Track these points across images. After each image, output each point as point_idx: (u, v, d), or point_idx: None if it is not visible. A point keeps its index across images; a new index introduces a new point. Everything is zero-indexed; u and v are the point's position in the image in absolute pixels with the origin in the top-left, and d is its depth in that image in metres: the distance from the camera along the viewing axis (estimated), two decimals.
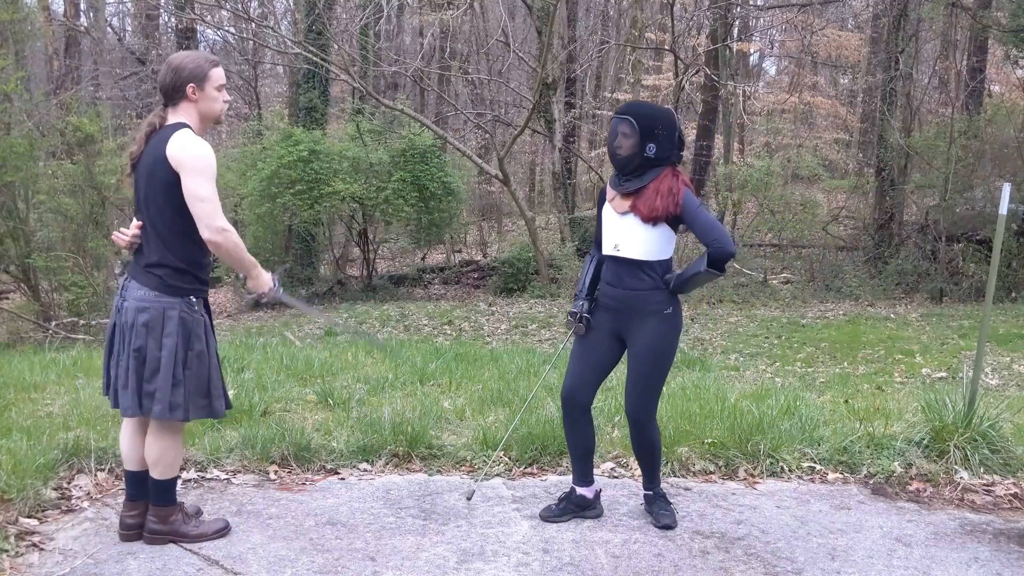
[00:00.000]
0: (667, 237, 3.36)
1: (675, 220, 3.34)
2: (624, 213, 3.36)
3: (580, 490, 3.59)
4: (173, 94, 3.04)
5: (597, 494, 3.62)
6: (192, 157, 2.95)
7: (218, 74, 3.08)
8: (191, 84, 3.02)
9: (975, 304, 12.78)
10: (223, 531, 3.29)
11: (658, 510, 3.57)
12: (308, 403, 4.89)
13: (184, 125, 3.02)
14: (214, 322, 3.26)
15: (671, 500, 3.66)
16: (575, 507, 3.57)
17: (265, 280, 3.20)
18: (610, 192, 3.46)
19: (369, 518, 3.53)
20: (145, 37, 23.03)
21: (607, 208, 3.46)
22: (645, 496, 3.65)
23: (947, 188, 14.30)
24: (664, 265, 3.38)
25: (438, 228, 17.02)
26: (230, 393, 3.35)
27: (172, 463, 3.18)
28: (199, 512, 3.37)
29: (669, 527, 3.50)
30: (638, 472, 4.08)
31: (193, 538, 3.21)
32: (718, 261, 3.24)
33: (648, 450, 3.52)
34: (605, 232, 3.45)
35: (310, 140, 15.03)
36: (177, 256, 3.04)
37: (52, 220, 12.53)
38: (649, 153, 3.29)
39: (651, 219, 3.30)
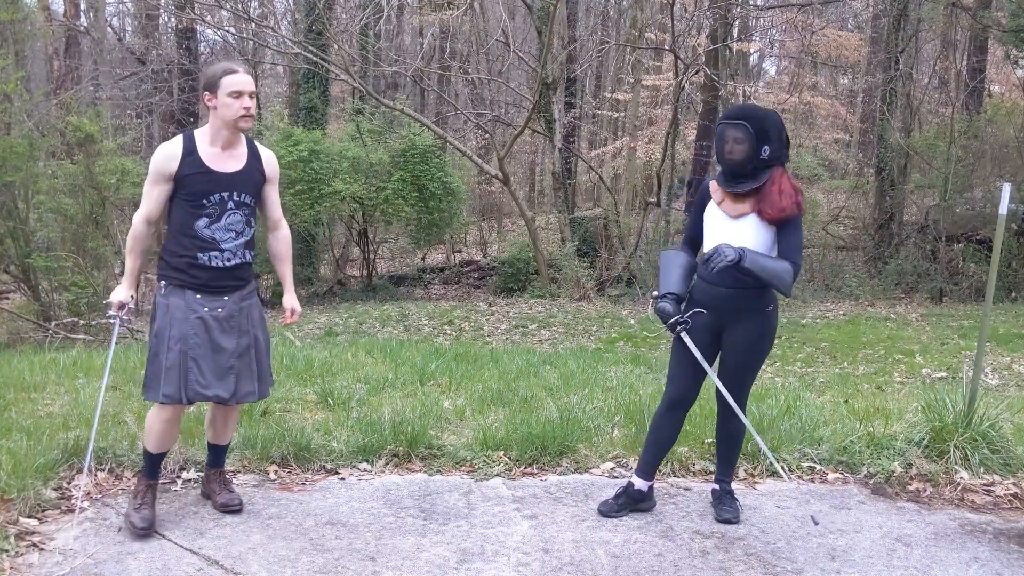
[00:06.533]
0: (775, 239, 3.39)
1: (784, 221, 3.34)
2: (739, 216, 3.37)
3: (639, 483, 3.65)
4: (201, 102, 3.30)
5: (651, 488, 3.70)
6: (151, 160, 3.23)
7: (232, 81, 3.18)
8: (207, 93, 3.21)
9: (975, 304, 12.79)
10: (136, 530, 3.25)
11: (724, 505, 3.63)
12: (308, 403, 4.89)
13: (187, 132, 3.27)
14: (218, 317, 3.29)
15: (737, 499, 3.67)
16: (631, 500, 3.65)
17: (118, 292, 3.26)
18: (717, 194, 3.45)
19: (369, 518, 3.53)
20: (145, 37, 23.02)
21: (715, 210, 3.44)
22: (713, 491, 3.70)
23: (947, 188, 14.31)
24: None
25: (438, 228, 17.02)
26: (209, 392, 3.25)
27: (152, 439, 3.32)
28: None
29: (729, 521, 3.57)
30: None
31: (125, 515, 3.35)
32: (792, 283, 3.33)
33: (732, 441, 3.62)
34: (712, 234, 3.44)
35: (310, 140, 15.03)
36: (166, 244, 3.28)
37: (52, 220, 12.52)
38: (764, 155, 3.30)
39: (778, 220, 3.31)
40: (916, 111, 16.49)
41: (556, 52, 17.65)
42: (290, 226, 14.66)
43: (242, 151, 3.32)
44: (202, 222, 3.22)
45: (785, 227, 3.34)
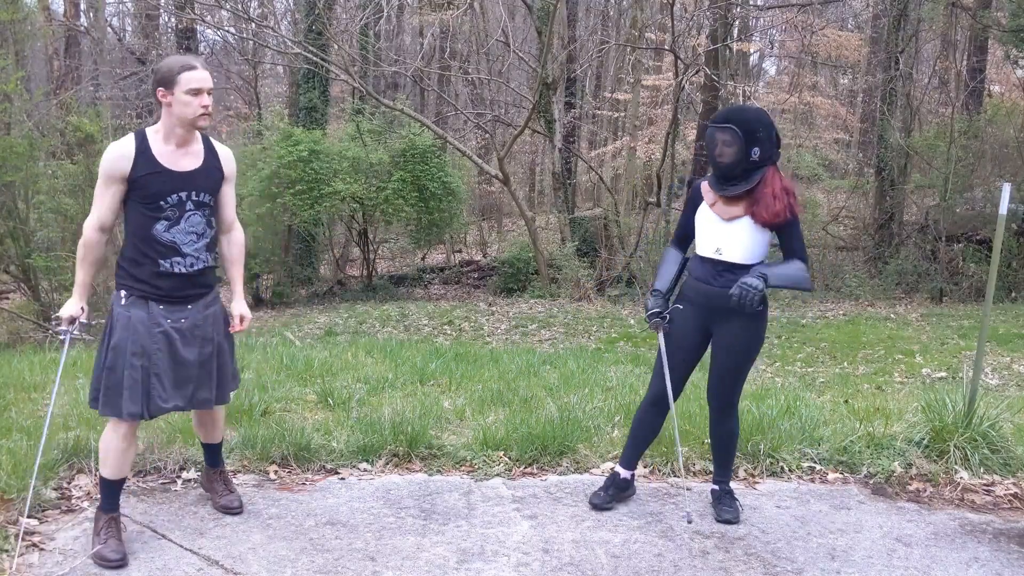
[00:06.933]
0: (768, 240, 3.42)
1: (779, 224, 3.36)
2: (732, 219, 3.38)
3: (624, 473, 3.72)
4: (154, 97, 3.08)
5: (633, 476, 3.78)
6: (101, 162, 3.06)
7: (190, 78, 3.00)
8: (160, 88, 3.03)
9: (975, 304, 12.79)
10: (111, 562, 3.04)
11: (724, 505, 3.64)
12: (308, 403, 4.88)
13: (138, 130, 3.11)
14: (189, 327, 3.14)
15: (734, 498, 3.69)
16: (618, 490, 3.72)
17: (69, 306, 3.08)
18: (710, 196, 3.46)
19: (369, 518, 3.53)
20: (145, 37, 23.02)
21: (707, 212, 3.45)
22: (712, 491, 3.71)
23: (947, 188, 14.30)
24: (757, 265, 3.41)
25: (438, 228, 17.02)
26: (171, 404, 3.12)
27: (110, 462, 3.12)
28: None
29: (729, 522, 3.58)
30: (638, 472, 4.09)
31: (92, 554, 3.09)
32: (809, 277, 3.39)
33: (727, 441, 3.63)
34: (704, 236, 3.46)
35: (310, 140, 15.03)
36: (124, 250, 3.13)
37: (52, 220, 12.52)
38: (754, 156, 3.30)
39: (772, 223, 3.33)
40: (916, 111, 16.48)
41: (556, 52, 17.65)
42: (290, 227, 14.44)
43: (198, 148, 3.15)
44: (161, 225, 3.05)
45: (784, 230, 3.36)
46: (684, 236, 3.61)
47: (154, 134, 3.09)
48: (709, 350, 3.56)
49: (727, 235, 3.38)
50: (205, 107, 3.04)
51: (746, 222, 3.35)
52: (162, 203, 3.04)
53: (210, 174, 3.16)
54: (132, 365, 3.04)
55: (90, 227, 3.06)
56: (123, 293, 3.09)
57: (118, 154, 3.02)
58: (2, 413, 4.48)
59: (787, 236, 3.38)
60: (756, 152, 3.29)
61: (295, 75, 18.84)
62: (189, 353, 3.14)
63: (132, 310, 3.07)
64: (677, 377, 3.55)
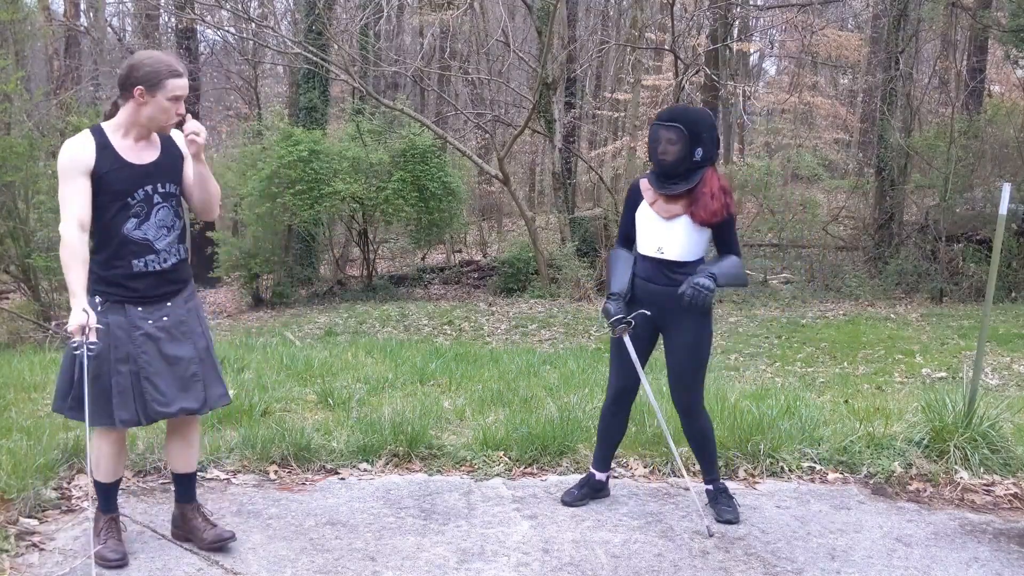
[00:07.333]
0: (708, 239, 3.48)
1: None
2: (672, 217, 3.41)
3: (600, 475, 3.75)
4: (122, 89, 2.93)
5: (608, 478, 3.81)
6: (59, 161, 2.89)
7: (175, 85, 2.90)
8: (140, 87, 2.88)
9: (975, 304, 12.78)
10: (111, 562, 3.02)
11: (721, 505, 3.63)
12: (308, 403, 4.89)
13: (95, 127, 2.94)
14: (174, 325, 3.02)
15: (732, 496, 3.69)
16: (592, 490, 3.74)
17: (76, 316, 2.80)
18: (650, 195, 3.49)
19: (369, 518, 3.53)
20: (145, 37, 23.00)
21: (647, 211, 3.48)
22: (708, 491, 3.70)
23: (947, 188, 14.29)
24: (698, 262, 3.48)
25: (438, 228, 17.01)
26: (183, 405, 3.01)
27: (102, 466, 3.07)
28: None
29: (731, 522, 3.56)
30: (638, 472, 4.10)
31: (92, 554, 3.01)
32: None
33: (701, 440, 3.63)
34: (645, 234, 3.49)
35: (310, 140, 15.02)
36: (93, 255, 2.94)
37: (52, 220, 12.48)
38: (697, 156, 3.35)
39: (710, 223, 3.38)
40: (916, 111, 16.48)
41: (556, 52, 17.65)
42: (290, 227, 14.40)
43: (154, 138, 3.02)
44: (131, 223, 2.93)
45: (721, 229, 3.44)
46: (627, 235, 3.62)
47: (112, 129, 2.96)
48: (664, 355, 3.59)
49: (668, 234, 3.43)
50: (181, 115, 2.96)
51: (685, 221, 3.40)
52: (129, 200, 2.93)
53: (172, 162, 3.05)
54: (119, 371, 2.93)
55: (69, 228, 2.85)
56: (98, 299, 2.93)
57: (78, 146, 2.89)
58: (2, 413, 4.48)
59: (724, 234, 3.47)
60: (699, 152, 3.35)
61: (295, 75, 18.83)
62: (181, 350, 3.02)
63: (109, 316, 2.93)
64: (633, 371, 3.55)
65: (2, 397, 4.82)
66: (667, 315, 3.47)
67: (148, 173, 2.97)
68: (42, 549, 3.16)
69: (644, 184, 3.53)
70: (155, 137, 3.03)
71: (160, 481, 3.80)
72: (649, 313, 3.47)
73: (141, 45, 22.76)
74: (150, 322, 2.98)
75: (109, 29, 23.90)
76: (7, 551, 3.09)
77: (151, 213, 2.96)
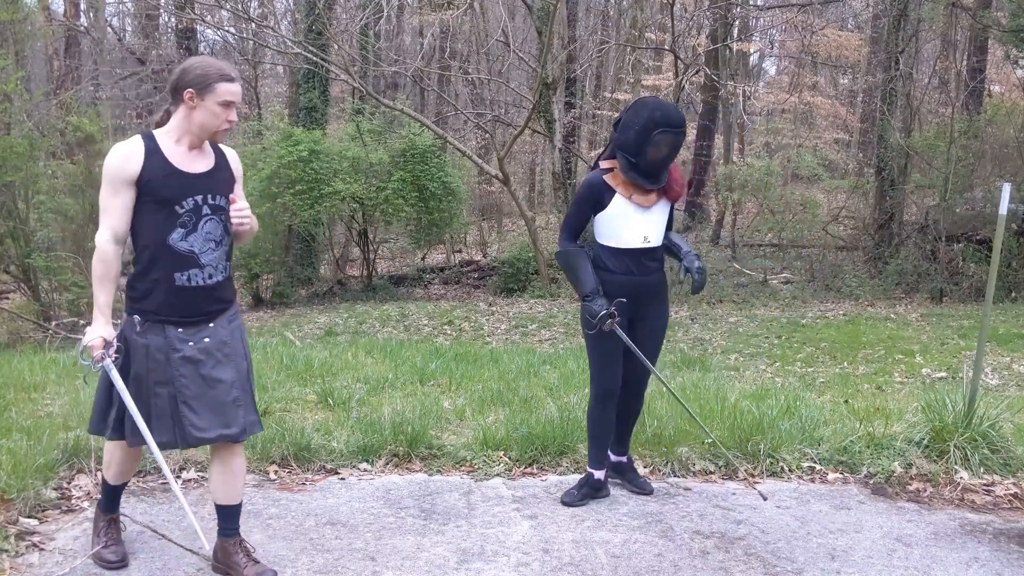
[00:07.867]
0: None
1: None
2: (652, 205, 3.56)
3: (598, 473, 3.76)
4: (173, 94, 2.84)
5: (607, 476, 3.83)
6: (105, 165, 2.81)
7: (226, 89, 2.81)
8: (190, 90, 2.79)
9: (975, 304, 12.77)
10: (111, 564, 3.04)
11: (638, 477, 3.87)
12: (308, 403, 4.89)
13: (147, 133, 2.88)
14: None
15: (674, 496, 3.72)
16: (593, 490, 3.76)
17: (97, 330, 2.74)
18: (623, 189, 3.54)
19: (369, 518, 3.53)
20: (145, 37, 23.02)
21: (625, 204, 3.53)
22: (621, 463, 3.88)
23: (947, 188, 14.29)
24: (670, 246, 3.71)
25: (438, 228, 17.01)
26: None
27: (113, 468, 3.06)
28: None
29: (648, 492, 3.81)
30: (639, 472, 4.09)
31: (92, 554, 3.07)
32: None
33: (635, 417, 3.87)
34: (627, 227, 3.54)
35: (310, 140, 15.02)
36: (133, 267, 2.85)
37: (52, 220, 12.54)
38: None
39: (680, 196, 3.62)
40: (916, 111, 16.47)
41: (556, 52, 17.64)
42: (290, 227, 14.48)
43: (208, 149, 2.93)
44: (177, 234, 2.80)
45: (674, 205, 3.71)
46: (578, 232, 3.68)
47: (163, 136, 2.86)
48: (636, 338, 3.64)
49: (650, 221, 3.57)
50: (232, 122, 2.87)
51: (661, 204, 3.59)
52: (177, 208, 2.80)
53: (224, 176, 2.95)
54: (157, 394, 2.82)
55: (104, 239, 2.77)
56: (137, 319, 2.83)
57: (126, 154, 2.78)
58: (2, 413, 4.48)
59: (672, 211, 3.70)
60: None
61: (295, 75, 18.83)
62: (223, 372, 2.88)
63: (149, 337, 2.82)
64: (619, 370, 3.64)
65: (2, 397, 4.82)
66: (644, 303, 3.59)
67: (199, 183, 2.86)
68: (42, 549, 3.16)
69: (612, 179, 3.54)
70: (208, 148, 2.94)
71: (160, 481, 3.80)
72: (626, 300, 3.54)
73: (141, 45, 22.78)
74: (191, 344, 2.85)
75: (109, 29, 23.90)
76: (7, 551, 3.09)
77: (199, 224, 2.84)
